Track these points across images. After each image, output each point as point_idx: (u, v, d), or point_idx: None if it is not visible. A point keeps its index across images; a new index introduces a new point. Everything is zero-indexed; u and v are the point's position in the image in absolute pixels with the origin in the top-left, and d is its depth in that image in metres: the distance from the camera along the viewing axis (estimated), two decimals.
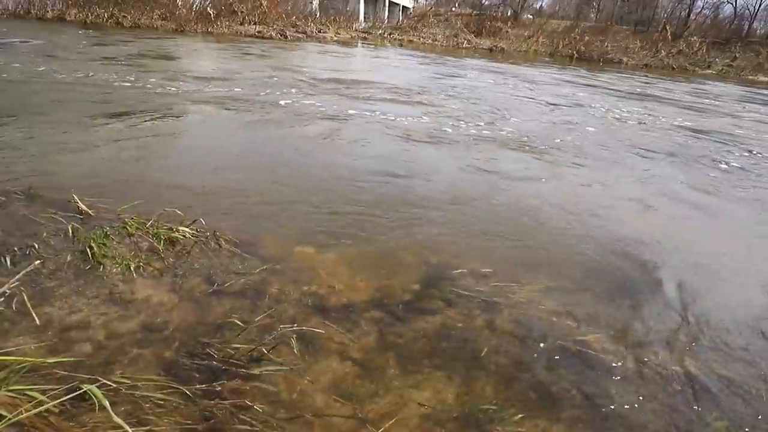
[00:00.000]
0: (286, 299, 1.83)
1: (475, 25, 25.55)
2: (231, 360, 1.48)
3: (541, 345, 1.71)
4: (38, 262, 1.79)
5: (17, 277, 1.49)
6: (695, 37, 23.23)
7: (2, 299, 1.36)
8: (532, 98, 7.98)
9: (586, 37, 22.80)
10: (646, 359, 1.70)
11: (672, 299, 2.12)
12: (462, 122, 5.49)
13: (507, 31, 25.09)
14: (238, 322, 1.65)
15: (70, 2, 16.16)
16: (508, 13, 39.53)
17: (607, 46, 21.79)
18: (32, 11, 15.55)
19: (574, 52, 21.33)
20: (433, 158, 4.02)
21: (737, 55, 22.73)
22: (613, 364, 1.65)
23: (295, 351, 1.53)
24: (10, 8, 15.76)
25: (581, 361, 1.65)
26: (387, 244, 2.37)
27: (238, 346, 1.54)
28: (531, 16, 45.59)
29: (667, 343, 1.81)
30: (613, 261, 2.43)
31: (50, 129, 3.81)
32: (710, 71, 20.62)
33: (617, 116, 7.03)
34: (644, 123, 6.68)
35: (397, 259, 2.25)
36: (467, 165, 3.87)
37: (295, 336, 1.58)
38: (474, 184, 3.43)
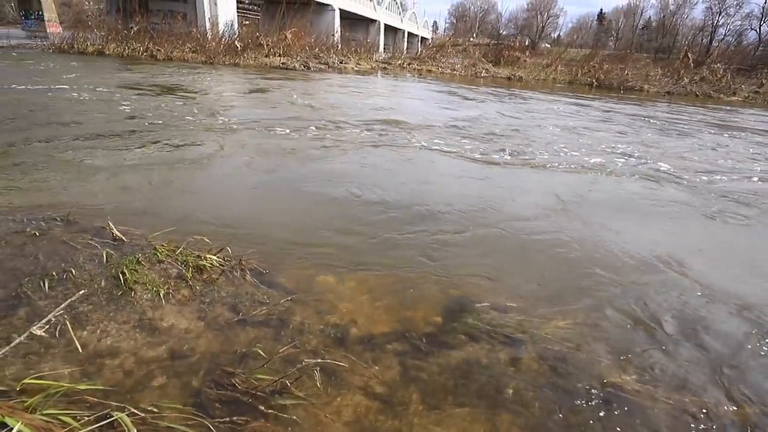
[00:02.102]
0: (309, 330, 1.85)
1: (493, 54, 26.02)
2: (255, 391, 1.50)
3: (569, 384, 1.67)
4: (82, 292, 1.85)
5: (62, 305, 1.54)
6: (718, 64, 23.01)
7: (47, 326, 1.41)
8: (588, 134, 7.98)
9: (606, 65, 22.90)
10: (680, 403, 1.63)
11: (712, 341, 2.04)
12: (481, 147, 5.53)
13: (525, 60, 25.43)
14: (262, 353, 1.67)
15: (109, 37, 17.20)
16: (526, 43, 40.14)
17: (627, 74, 21.79)
18: (75, 46, 16.60)
19: (594, 81, 21.41)
20: (454, 187, 4.04)
21: (764, 81, 22.35)
22: (646, 408, 1.59)
23: (318, 384, 1.54)
24: (55, 43, 16.90)
25: (612, 404, 1.60)
26: (407, 275, 2.38)
27: (262, 377, 1.55)
28: (548, 45, 46.22)
29: (703, 387, 1.73)
30: (645, 300, 2.36)
31: (87, 155, 4.01)
32: (736, 98, 20.29)
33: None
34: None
35: (418, 290, 2.25)
36: (488, 196, 3.88)
37: (318, 369, 1.59)
38: (494, 215, 3.42)
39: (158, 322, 1.82)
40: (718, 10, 45.97)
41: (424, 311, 2.07)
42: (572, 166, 5.14)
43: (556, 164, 5.16)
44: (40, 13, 42.14)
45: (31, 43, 17.98)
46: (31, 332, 1.24)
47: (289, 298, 2.05)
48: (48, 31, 35.11)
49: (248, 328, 1.83)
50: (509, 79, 21.63)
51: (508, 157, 5.31)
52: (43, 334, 1.29)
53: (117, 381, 1.51)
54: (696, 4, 51.66)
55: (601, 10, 65.12)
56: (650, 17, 57.28)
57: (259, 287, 2.12)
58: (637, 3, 57.99)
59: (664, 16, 53.06)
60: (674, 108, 14.24)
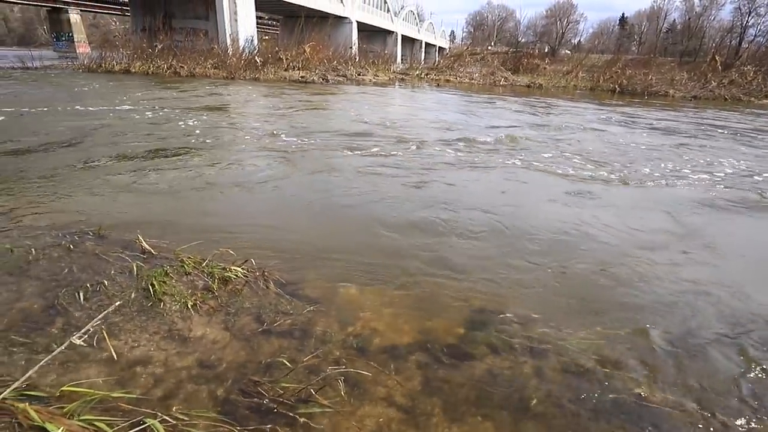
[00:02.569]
0: (331, 339, 1.87)
1: (512, 62, 25.90)
2: (280, 399, 1.53)
3: (595, 397, 1.64)
4: (118, 302, 1.93)
5: (100, 316, 1.61)
6: (749, 66, 22.28)
7: (86, 336, 1.48)
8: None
9: (628, 71, 22.51)
10: (711, 417, 1.58)
11: (745, 350, 1.98)
12: (494, 155, 5.51)
13: (545, 68, 25.23)
14: (287, 362, 1.70)
15: (135, 56, 17.92)
16: (545, 50, 39.86)
17: (651, 78, 21.35)
18: (103, 65, 17.35)
19: (616, 86, 21.06)
20: (474, 197, 4.03)
21: None
22: (676, 422, 1.55)
23: (342, 393, 1.56)
24: (84, 63, 17.71)
25: (639, 417, 1.56)
26: (428, 285, 2.38)
27: (287, 385, 1.58)
28: (569, 52, 45.76)
29: (737, 398, 1.68)
30: (675, 309, 2.30)
31: (116, 168, 4.18)
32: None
33: None
34: None
35: (439, 301, 2.25)
36: (509, 206, 3.86)
37: (342, 378, 1.61)
38: (515, 226, 3.40)
39: (187, 332, 1.88)
40: (747, 11, 44.70)
41: (447, 322, 2.07)
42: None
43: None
44: (71, 34, 44.27)
45: (62, 64, 18.91)
46: (71, 342, 1.30)
47: (312, 308, 2.08)
48: (78, 51, 36.89)
49: (272, 337, 1.87)
50: (529, 87, 21.49)
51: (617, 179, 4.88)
52: (82, 343, 1.35)
53: (149, 389, 1.56)
54: (723, 5, 50.44)
55: (623, 14, 64.29)
56: (675, 20, 56.20)
57: (282, 298, 2.17)
58: (661, 6, 57.02)
59: (689, 19, 51.92)
60: (727, 114, 13.84)
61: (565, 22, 60.80)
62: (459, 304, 2.23)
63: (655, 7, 57.47)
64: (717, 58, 23.24)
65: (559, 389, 1.67)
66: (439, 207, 3.64)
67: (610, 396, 1.64)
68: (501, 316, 2.13)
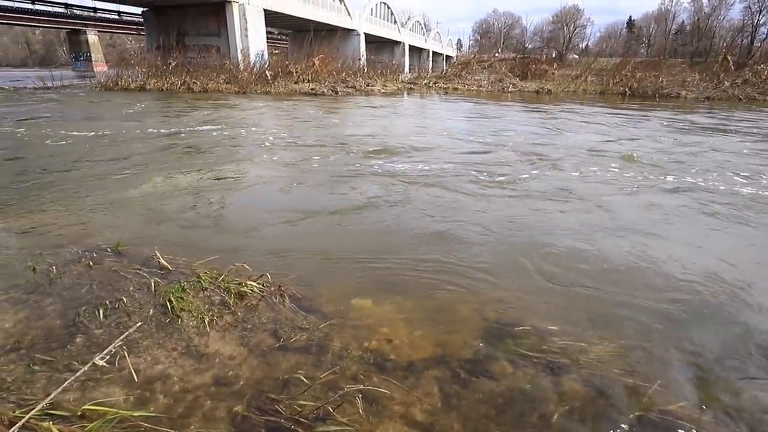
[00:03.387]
0: (348, 355, 1.86)
1: (520, 68, 25.88)
2: (298, 417, 1.52)
3: (619, 413, 1.60)
4: (139, 324, 1.95)
5: (122, 337, 1.63)
6: (762, 65, 21.92)
7: (108, 356, 1.49)
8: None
9: (638, 73, 22.30)
10: None
11: None
12: (510, 166, 5.48)
13: (553, 73, 25.15)
14: (304, 379, 1.70)
15: (150, 74, 18.36)
16: (553, 55, 39.74)
17: (662, 80, 21.12)
18: (119, 83, 17.79)
19: (626, 89, 20.87)
20: (484, 210, 4.01)
21: None
22: None
23: (361, 410, 1.54)
24: (102, 81, 18.19)
25: None
26: (443, 297, 2.36)
27: (305, 403, 1.57)
28: (576, 56, 45.59)
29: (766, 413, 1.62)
30: (703, 319, 2.24)
31: (131, 185, 4.25)
32: None
33: None
34: None
35: (455, 314, 2.23)
36: (522, 213, 3.82)
37: (360, 395, 1.59)
38: (527, 234, 3.36)
39: (204, 349, 1.89)
40: (758, 9, 44.14)
41: (463, 335, 2.04)
42: None
43: None
44: (89, 54, 45.90)
45: (80, 83, 19.46)
46: (93, 363, 1.31)
47: (328, 323, 2.08)
48: (95, 70, 38.12)
49: (289, 353, 1.87)
50: (538, 92, 21.41)
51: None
52: (104, 364, 1.36)
53: (168, 407, 1.57)
54: (732, 4, 49.87)
55: (630, 17, 63.84)
56: (683, 21, 55.68)
57: (298, 312, 2.17)
58: (669, 8, 56.59)
59: (698, 19, 51.42)
60: (754, 114, 13.63)
61: (572, 27, 60.65)
62: (475, 316, 2.20)
63: (663, 9, 57.05)
64: (729, 58, 22.92)
65: (581, 405, 1.63)
66: (460, 221, 3.63)
67: (636, 413, 1.60)
68: (519, 328, 2.10)
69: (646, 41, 60.11)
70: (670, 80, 21.58)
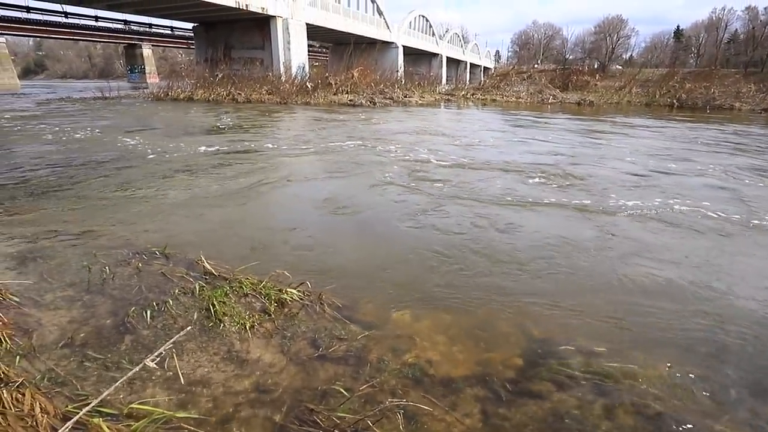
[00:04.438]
0: (387, 368, 1.83)
1: (560, 80, 25.32)
2: (336, 430, 1.50)
3: None
4: (189, 328, 2.00)
5: (172, 340, 1.68)
6: None
7: (158, 359, 1.54)
8: None
9: (687, 84, 21.31)
10: None
11: None
12: (545, 184, 5.31)
13: (595, 84, 24.45)
14: (343, 390, 1.68)
15: (197, 85, 19.30)
16: (595, 66, 38.64)
17: (713, 91, 20.07)
18: (169, 94, 18.80)
19: (674, 101, 19.97)
20: (526, 223, 3.90)
21: None
22: None
23: (400, 426, 1.51)
24: (153, 92, 19.29)
25: None
26: (483, 312, 2.30)
27: (343, 415, 1.56)
28: (620, 67, 44.07)
29: None
30: (757, 342, 2.08)
31: (182, 188, 4.43)
32: None
33: None
34: None
35: (496, 330, 2.16)
36: (567, 227, 3.69)
37: (401, 411, 1.56)
38: (573, 248, 3.24)
39: (245, 355, 1.91)
40: None
41: (504, 353, 1.97)
42: None
43: None
44: (143, 66, 49.09)
45: (134, 93, 20.73)
46: (144, 364, 1.35)
47: (366, 334, 2.06)
48: (148, 81, 40.71)
49: (327, 364, 1.86)
50: (579, 104, 20.84)
51: None
52: (154, 366, 1.40)
53: (208, 411, 1.59)
54: None
55: (678, 26, 61.17)
56: (737, 30, 52.74)
57: (337, 322, 2.17)
58: (720, 16, 53.84)
59: (753, 28, 48.56)
60: None
61: (615, 38, 58.74)
62: (517, 332, 2.12)
63: (714, 18, 54.27)
64: None
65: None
66: (501, 232, 3.54)
67: None
68: (563, 347, 2.01)
69: (695, 51, 57.35)
70: (723, 91, 20.48)
